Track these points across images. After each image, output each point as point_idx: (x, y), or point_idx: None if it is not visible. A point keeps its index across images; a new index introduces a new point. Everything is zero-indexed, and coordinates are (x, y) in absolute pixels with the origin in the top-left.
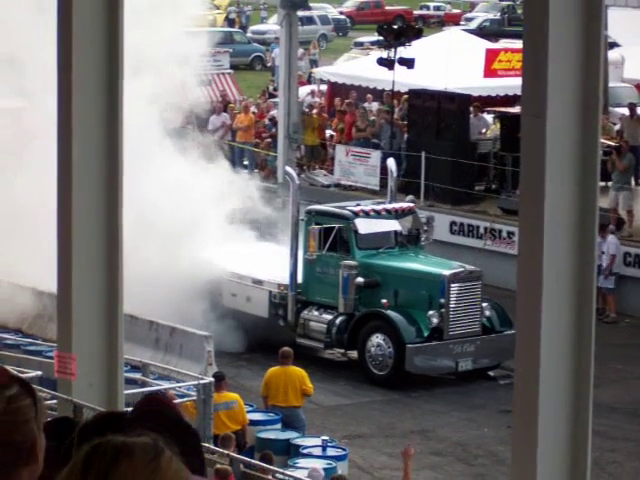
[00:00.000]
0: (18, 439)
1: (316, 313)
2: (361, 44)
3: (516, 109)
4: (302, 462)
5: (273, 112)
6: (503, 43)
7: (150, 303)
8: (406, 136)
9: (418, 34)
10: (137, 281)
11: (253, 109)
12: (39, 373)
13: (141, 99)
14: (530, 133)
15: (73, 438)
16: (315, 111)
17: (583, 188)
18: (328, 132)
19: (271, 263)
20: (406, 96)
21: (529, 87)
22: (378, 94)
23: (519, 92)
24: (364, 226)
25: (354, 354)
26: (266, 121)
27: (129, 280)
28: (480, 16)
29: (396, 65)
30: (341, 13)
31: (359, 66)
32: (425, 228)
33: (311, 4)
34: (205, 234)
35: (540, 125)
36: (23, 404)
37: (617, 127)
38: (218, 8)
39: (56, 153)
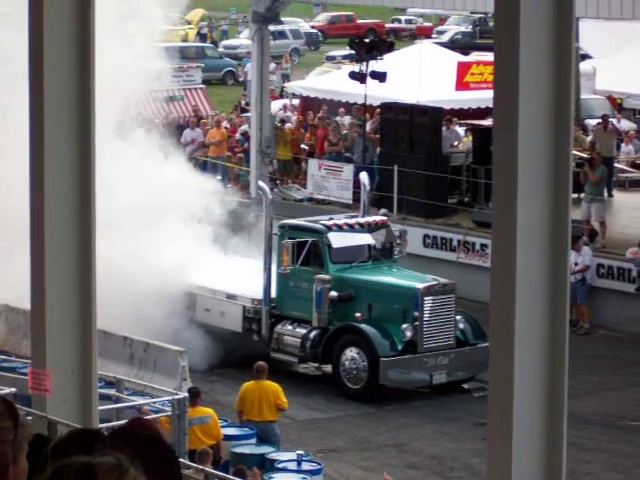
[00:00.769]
0: None
1: (290, 327)
2: (333, 58)
3: (488, 122)
4: (277, 477)
5: (244, 126)
6: (475, 56)
7: (124, 318)
8: (379, 149)
9: (390, 47)
10: (111, 297)
11: (225, 124)
12: (13, 390)
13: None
14: (502, 146)
15: (46, 455)
16: (291, 125)
17: (555, 200)
18: (303, 146)
19: (245, 278)
20: (378, 110)
21: (500, 100)
22: (350, 108)
23: (491, 105)
24: (337, 240)
25: (328, 368)
26: (238, 136)
27: (103, 296)
28: (452, 29)
29: (368, 79)
30: (313, 27)
31: (331, 80)
32: (398, 241)
33: (283, 18)
34: (178, 249)
35: (512, 137)
36: (2, 425)
37: (589, 139)
38: (190, 23)
39: (28, 169)
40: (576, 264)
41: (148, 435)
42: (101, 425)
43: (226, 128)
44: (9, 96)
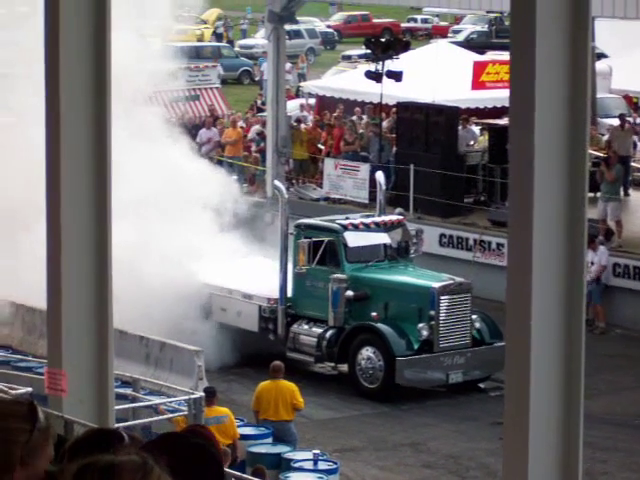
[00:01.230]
0: None
1: (306, 327)
2: (349, 57)
3: (504, 121)
4: (293, 476)
5: (256, 126)
6: (491, 55)
7: (139, 318)
8: (395, 149)
9: (406, 47)
10: (127, 296)
11: (241, 123)
12: (29, 389)
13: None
14: (518, 145)
15: (64, 454)
16: (307, 125)
17: (572, 199)
18: (319, 145)
19: (261, 277)
20: (394, 109)
21: (516, 99)
22: (366, 107)
23: (507, 104)
24: (353, 239)
25: (344, 367)
26: (253, 135)
27: (119, 295)
28: (468, 28)
29: (384, 78)
30: (329, 27)
31: (347, 79)
32: (414, 241)
33: (298, 18)
34: (195, 249)
35: (528, 136)
36: (15, 426)
37: (605, 138)
38: (205, 23)
39: (44, 169)
40: (592, 263)
41: (194, 443)
42: (117, 425)
43: (242, 128)
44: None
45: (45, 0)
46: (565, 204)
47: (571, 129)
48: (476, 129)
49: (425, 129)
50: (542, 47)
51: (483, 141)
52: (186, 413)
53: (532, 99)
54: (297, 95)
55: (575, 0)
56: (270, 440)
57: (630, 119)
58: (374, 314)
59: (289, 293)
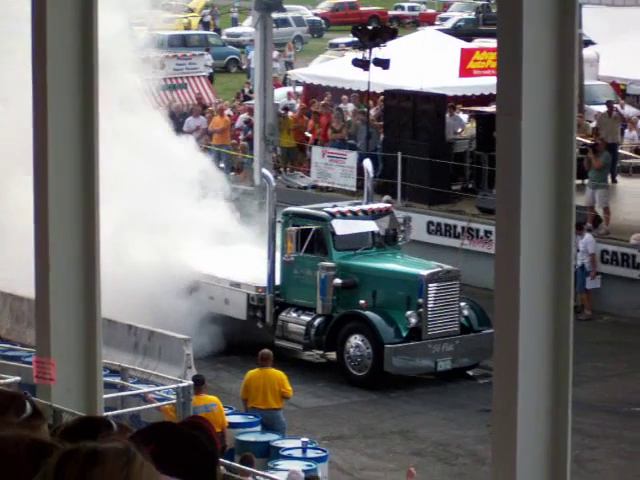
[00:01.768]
0: None
1: (294, 315)
2: (336, 45)
3: (492, 108)
4: (282, 464)
5: (243, 115)
6: (478, 42)
7: (128, 306)
8: (382, 137)
9: (393, 35)
10: (115, 285)
11: (229, 112)
12: (18, 378)
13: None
14: (505, 132)
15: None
16: (295, 113)
17: (559, 186)
18: (307, 133)
19: (249, 265)
20: (382, 97)
21: (504, 86)
22: (353, 95)
23: (495, 91)
24: (341, 227)
25: (333, 355)
26: (240, 123)
27: (107, 284)
28: (455, 16)
29: (371, 66)
30: (316, 14)
31: (334, 67)
32: (402, 228)
33: (285, 6)
34: (182, 237)
35: (515, 124)
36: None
37: (592, 125)
38: (192, 11)
39: (32, 157)
40: (578, 250)
41: (186, 434)
42: (106, 413)
43: (229, 116)
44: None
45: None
46: (552, 191)
47: (558, 116)
48: (464, 117)
49: (412, 117)
50: (529, 34)
51: (470, 128)
52: (175, 402)
53: (519, 86)
54: (284, 83)
55: None
56: (259, 428)
57: (617, 106)
58: (362, 302)
59: (277, 281)
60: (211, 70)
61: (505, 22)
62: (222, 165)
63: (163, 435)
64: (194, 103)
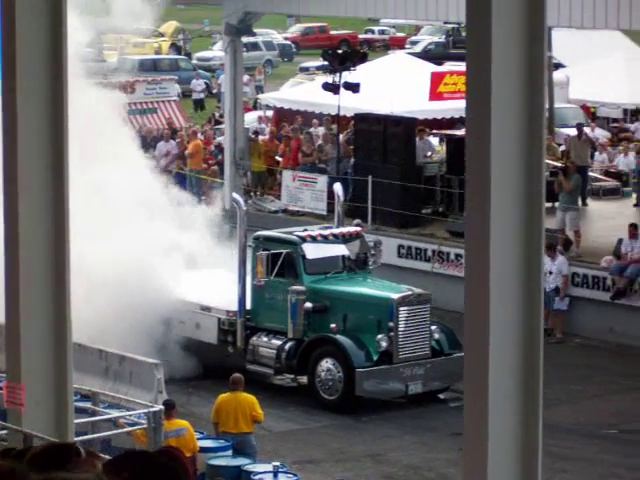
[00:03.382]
0: None
1: (265, 339)
2: (307, 69)
3: (462, 131)
4: None
5: (220, 139)
6: (448, 66)
7: (100, 332)
8: (353, 160)
9: (363, 58)
10: (86, 311)
11: (200, 136)
12: None
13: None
14: (475, 155)
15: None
16: (266, 137)
17: (529, 209)
18: (277, 158)
19: (220, 290)
20: (352, 121)
21: (473, 110)
22: (324, 119)
23: (465, 115)
24: (312, 251)
25: (304, 379)
26: (212, 148)
27: (78, 309)
28: (425, 39)
29: (341, 90)
30: (286, 39)
31: (305, 91)
32: (373, 252)
33: (256, 30)
34: (154, 262)
35: (485, 147)
36: None
37: (562, 148)
38: (163, 35)
39: (2, 182)
40: (550, 272)
41: (159, 462)
42: (77, 438)
43: (200, 140)
44: None
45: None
46: (522, 214)
47: (527, 139)
48: (434, 140)
49: (383, 140)
50: (498, 58)
51: (441, 152)
52: (145, 426)
53: (488, 110)
54: (255, 107)
55: (531, 10)
56: (230, 452)
57: (588, 129)
58: (333, 326)
59: (248, 305)
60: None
61: (474, 46)
62: (193, 189)
63: (136, 464)
64: (164, 127)
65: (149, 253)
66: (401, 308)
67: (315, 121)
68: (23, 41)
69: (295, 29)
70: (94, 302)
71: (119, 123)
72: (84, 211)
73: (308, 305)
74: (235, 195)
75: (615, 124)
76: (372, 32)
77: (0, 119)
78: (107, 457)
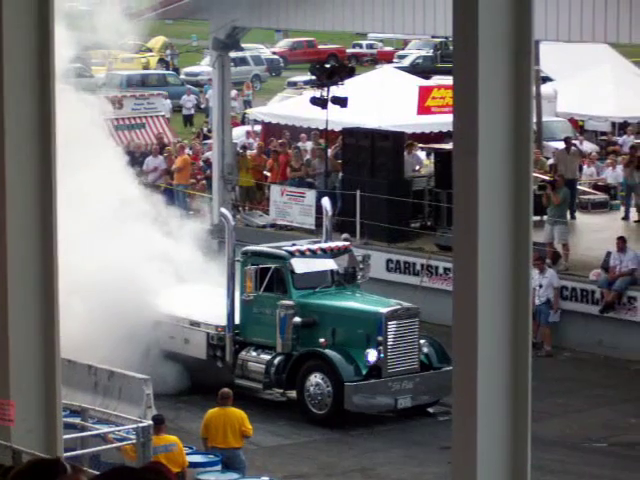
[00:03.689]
0: None
1: (254, 354)
2: (294, 84)
3: (450, 145)
4: None
5: (208, 153)
6: (436, 80)
7: (88, 347)
8: (341, 175)
9: (351, 73)
10: (76, 326)
11: (188, 151)
12: None
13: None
14: (462, 169)
15: None
16: (254, 152)
17: (516, 223)
18: (265, 172)
19: (208, 305)
20: (340, 135)
21: (460, 123)
22: (312, 133)
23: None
24: (300, 266)
25: (293, 394)
26: (200, 162)
27: (67, 325)
28: (413, 53)
29: (329, 104)
30: (274, 53)
31: (293, 106)
32: (361, 266)
33: (243, 45)
34: (142, 277)
35: (472, 161)
36: None
37: (550, 161)
38: (151, 50)
39: None
40: (540, 286)
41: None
42: (67, 454)
43: (189, 155)
44: None
45: None
46: (510, 228)
47: (515, 153)
48: (422, 154)
49: (371, 154)
50: (484, 71)
51: (429, 166)
52: (134, 442)
53: (475, 124)
54: (243, 122)
55: (518, 24)
56: (219, 467)
57: (576, 142)
58: (322, 340)
59: (237, 320)
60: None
61: (460, 60)
62: (181, 204)
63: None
64: (153, 143)
65: (137, 268)
66: (390, 322)
67: (303, 135)
68: (10, 57)
69: (283, 44)
70: (81, 317)
71: (105, 137)
72: (70, 225)
73: (297, 320)
74: (223, 210)
75: (603, 137)
76: (360, 46)
77: None
78: (94, 472)
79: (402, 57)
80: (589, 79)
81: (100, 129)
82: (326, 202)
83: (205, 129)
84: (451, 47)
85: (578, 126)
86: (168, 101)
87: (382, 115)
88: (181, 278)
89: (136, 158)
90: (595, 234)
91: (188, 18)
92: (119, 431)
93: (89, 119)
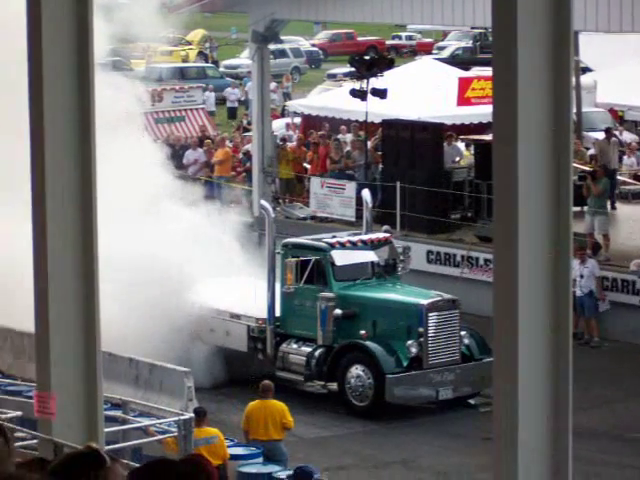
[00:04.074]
0: None
1: (295, 346)
2: (334, 76)
3: (490, 137)
4: None
5: (247, 146)
6: (476, 71)
7: (130, 340)
8: (381, 166)
9: (390, 64)
10: (116, 319)
11: (228, 143)
12: (19, 413)
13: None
14: (502, 160)
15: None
16: (294, 144)
17: (557, 213)
18: (305, 164)
19: (249, 297)
20: (380, 127)
21: (499, 114)
22: (352, 125)
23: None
24: (341, 258)
25: (334, 386)
26: (240, 155)
27: (108, 318)
28: (452, 44)
29: (369, 96)
30: (313, 45)
31: (332, 98)
32: (402, 258)
33: (283, 37)
34: (183, 270)
35: (512, 152)
36: None
37: (590, 152)
38: (190, 44)
39: (30, 181)
40: (582, 276)
41: (183, 471)
42: (108, 447)
43: (229, 147)
44: None
45: (27, 27)
46: (550, 218)
47: (555, 143)
48: (462, 145)
49: (411, 146)
50: (524, 62)
51: (469, 157)
52: (176, 434)
53: (515, 114)
54: (283, 114)
55: (557, 15)
56: (260, 460)
57: (616, 132)
58: (363, 332)
59: (277, 312)
60: (237, 104)
61: (500, 51)
62: (222, 197)
63: (160, 472)
64: (192, 135)
65: (178, 260)
66: (430, 314)
67: (343, 127)
68: (49, 53)
69: (322, 36)
70: (122, 309)
71: (144, 130)
72: (111, 217)
73: (337, 312)
74: (263, 202)
75: None
76: (399, 38)
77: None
78: (135, 465)
79: (441, 48)
80: (629, 69)
81: (139, 121)
82: (366, 194)
83: (245, 122)
84: (490, 38)
85: (618, 116)
86: (212, 94)
87: (421, 107)
88: (222, 271)
89: (176, 151)
90: (635, 224)
91: (227, 11)
92: (160, 424)
93: (128, 111)
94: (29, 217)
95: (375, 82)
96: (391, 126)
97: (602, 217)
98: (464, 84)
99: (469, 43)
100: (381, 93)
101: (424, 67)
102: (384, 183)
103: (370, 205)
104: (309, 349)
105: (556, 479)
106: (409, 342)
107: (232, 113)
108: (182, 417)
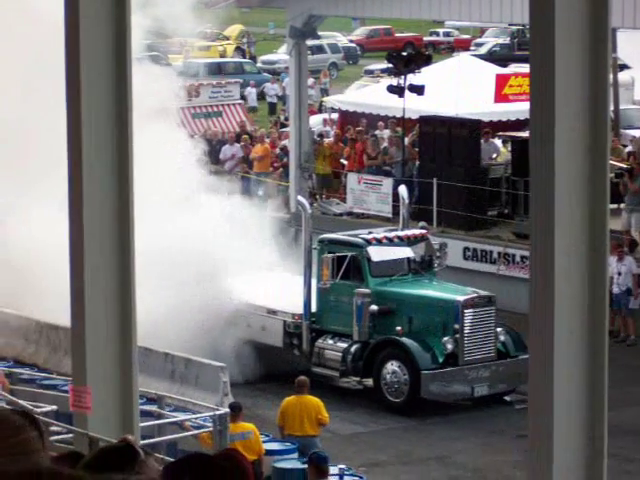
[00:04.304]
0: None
1: (331, 341)
2: (371, 72)
3: (527, 134)
4: None
5: (284, 142)
6: (513, 68)
7: (166, 335)
8: (418, 163)
9: (427, 61)
10: (153, 314)
11: (265, 139)
12: (55, 407)
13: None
14: (539, 157)
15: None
16: (331, 140)
17: (593, 210)
18: (342, 160)
19: (285, 293)
20: (417, 123)
21: (537, 111)
22: (389, 121)
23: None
24: (377, 254)
25: (369, 382)
26: (277, 151)
27: (144, 313)
28: (490, 41)
29: (406, 92)
30: (351, 41)
31: (369, 94)
32: (438, 254)
33: (320, 33)
34: (220, 265)
35: (549, 149)
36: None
37: (628, 149)
38: (228, 39)
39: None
40: (619, 274)
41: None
42: (143, 441)
43: (267, 143)
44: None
45: (65, 21)
46: (587, 215)
47: (592, 140)
48: (499, 142)
49: (448, 143)
50: (561, 59)
51: (506, 153)
52: (211, 429)
53: (552, 111)
54: (320, 110)
55: (595, 12)
56: (296, 455)
57: None
58: (398, 328)
59: (313, 308)
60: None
61: (538, 48)
62: (260, 192)
63: (196, 467)
64: (229, 130)
65: (215, 255)
66: (466, 310)
67: (380, 124)
68: (87, 47)
69: (360, 32)
70: (159, 304)
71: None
72: (147, 212)
73: (373, 307)
74: (300, 198)
75: None
76: (437, 34)
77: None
78: (168, 459)
79: (479, 45)
80: None
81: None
82: (403, 190)
83: (282, 117)
84: (528, 35)
85: None
86: (254, 90)
87: (459, 103)
88: (259, 266)
89: (213, 146)
90: None
91: (265, 6)
92: (196, 419)
93: (165, 106)
94: (63, 209)
95: (412, 78)
96: (428, 122)
97: (639, 214)
98: (501, 81)
99: (507, 40)
100: (418, 89)
101: (462, 63)
102: (421, 179)
103: (407, 201)
104: (345, 345)
105: (591, 476)
106: (445, 338)
107: (272, 109)
108: (217, 412)
